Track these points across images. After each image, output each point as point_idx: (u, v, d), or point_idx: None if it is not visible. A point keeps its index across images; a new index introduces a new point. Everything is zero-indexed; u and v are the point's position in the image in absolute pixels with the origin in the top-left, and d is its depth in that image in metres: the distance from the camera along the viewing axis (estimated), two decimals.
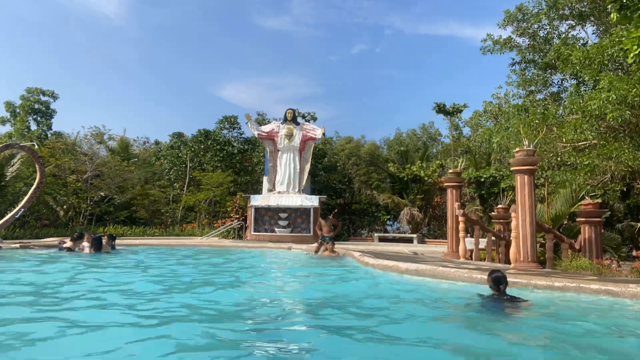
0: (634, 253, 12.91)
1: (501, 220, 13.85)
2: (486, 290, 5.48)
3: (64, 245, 11.79)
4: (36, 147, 19.70)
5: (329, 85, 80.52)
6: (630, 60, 6.83)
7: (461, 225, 12.05)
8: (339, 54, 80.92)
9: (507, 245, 12.36)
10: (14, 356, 3.31)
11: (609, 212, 17.25)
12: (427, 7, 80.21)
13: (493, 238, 13.39)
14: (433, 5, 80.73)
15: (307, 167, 22.24)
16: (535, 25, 18.94)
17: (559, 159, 13.46)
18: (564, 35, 18.44)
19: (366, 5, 78.57)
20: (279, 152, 22.26)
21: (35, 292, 6.19)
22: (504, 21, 19.55)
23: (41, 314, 4.72)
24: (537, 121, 13.01)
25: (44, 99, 31.69)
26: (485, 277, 6.46)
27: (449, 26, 79.48)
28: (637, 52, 6.39)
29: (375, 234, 23.24)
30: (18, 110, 31.38)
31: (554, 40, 18.88)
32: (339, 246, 14.44)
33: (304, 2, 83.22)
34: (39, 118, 31.77)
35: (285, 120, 22.43)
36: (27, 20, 70.44)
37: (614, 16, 6.78)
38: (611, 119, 10.91)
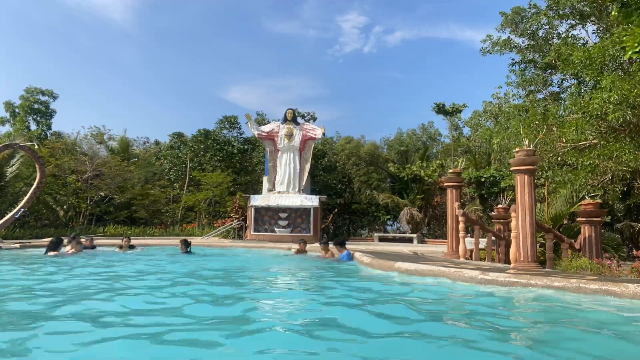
0: (635, 253, 12.89)
1: (501, 220, 13.83)
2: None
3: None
4: (36, 147, 19.70)
5: (331, 86, 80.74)
6: (626, 57, 6.84)
7: (461, 225, 12.04)
8: (341, 56, 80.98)
9: (507, 245, 12.35)
10: None
11: (609, 213, 17.24)
12: (429, 10, 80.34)
13: (493, 238, 13.38)
14: (434, 8, 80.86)
15: (307, 167, 22.22)
16: (535, 26, 18.95)
17: (559, 159, 13.45)
18: (564, 35, 18.44)
19: (369, 9, 78.68)
20: (279, 152, 22.24)
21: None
22: (502, 25, 19.58)
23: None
24: (537, 122, 13.01)
25: (43, 98, 31.66)
26: (487, 277, 6.46)
27: (450, 28, 79.58)
28: (637, 49, 6.39)
29: (375, 234, 23.22)
30: (17, 111, 31.37)
31: (554, 40, 18.89)
32: None
33: (309, 7, 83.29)
34: (38, 118, 31.75)
35: (285, 120, 22.41)
36: (31, 22, 70.45)
37: (614, 14, 6.77)
38: (613, 119, 10.90)
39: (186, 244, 12.31)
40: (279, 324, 4.49)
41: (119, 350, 3.47)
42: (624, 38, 6.60)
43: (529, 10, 19.00)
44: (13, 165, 21.35)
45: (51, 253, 10.78)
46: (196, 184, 25.97)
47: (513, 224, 9.71)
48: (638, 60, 12.07)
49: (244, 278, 8.49)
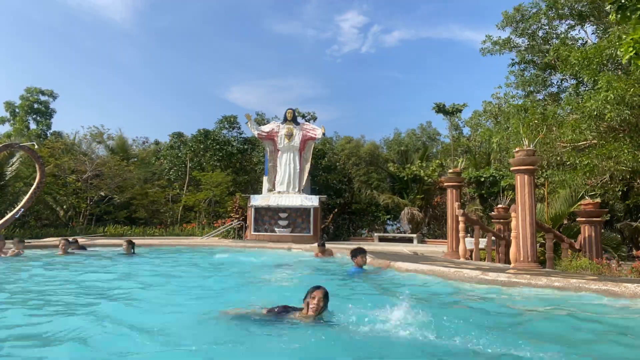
0: (635, 253, 12.91)
1: (501, 220, 13.84)
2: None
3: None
4: (36, 147, 19.68)
5: (331, 86, 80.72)
6: (623, 61, 6.86)
7: (461, 225, 12.05)
8: (340, 56, 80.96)
9: (507, 245, 12.36)
10: None
11: (609, 212, 17.25)
12: (429, 10, 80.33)
13: (493, 238, 13.39)
14: (434, 8, 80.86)
15: (307, 167, 22.22)
16: (534, 26, 18.95)
17: (558, 158, 13.47)
18: (563, 36, 18.44)
19: (368, 9, 78.66)
20: (279, 152, 22.23)
21: None
22: (503, 22, 19.55)
23: None
24: (536, 121, 13.02)
25: (43, 98, 31.67)
26: (487, 277, 6.48)
27: (450, 28, 79.61)
28: (631, 53, 6.40)
29: (375, 234, 23.22)
30: (17, 110, 31.38)
31: (553, 40, 18.89)
32: (339, 246, 14.43)
33: (309, 7, 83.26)
34: (38, 118, 31.76)
35: (285, 120, 22.41)
36: (31, 22, 70.42)
37: (612, 16, 6.78)
38: (610, 119, 10.92)
39: (131, 245, 11.67)
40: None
41: None
42: (623, 42, 6.62)
43: (530, 9, 18.98)
44: (13, 165, 21.34)
45: None
46: (196, 183, 25.94)
47: (513, 224, 9.73)
48: (631, 62, 12.07)
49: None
